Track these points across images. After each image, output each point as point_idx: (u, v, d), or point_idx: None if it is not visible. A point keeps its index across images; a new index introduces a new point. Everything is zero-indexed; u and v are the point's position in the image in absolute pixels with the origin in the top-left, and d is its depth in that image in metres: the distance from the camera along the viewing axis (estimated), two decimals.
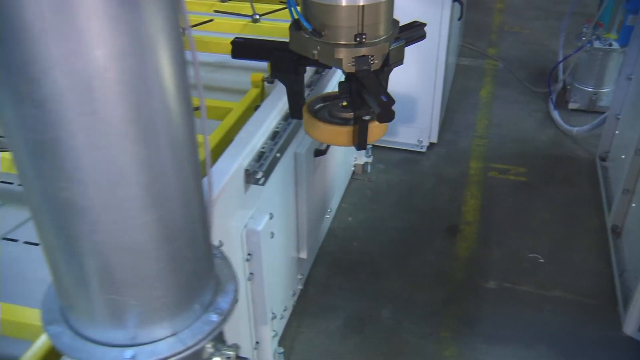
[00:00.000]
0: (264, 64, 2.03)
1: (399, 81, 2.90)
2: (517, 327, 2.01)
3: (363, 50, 1.19)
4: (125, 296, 0.58)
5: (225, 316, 0.66)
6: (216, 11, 2.37)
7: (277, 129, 1.63)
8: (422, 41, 2.73)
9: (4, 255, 1.36)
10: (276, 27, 2.24)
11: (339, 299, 2.13)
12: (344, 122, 1.34)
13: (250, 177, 1.45)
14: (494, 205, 2.60)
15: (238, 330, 1.53)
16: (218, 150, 1.48)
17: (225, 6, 2.42)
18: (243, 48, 1.39)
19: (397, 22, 1.30)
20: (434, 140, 2.94)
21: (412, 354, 1.94)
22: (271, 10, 2.32)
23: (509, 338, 1.98)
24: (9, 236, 1.41)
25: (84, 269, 0.57)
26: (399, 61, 1.33)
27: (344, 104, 1.36)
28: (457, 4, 2.66)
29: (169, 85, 0.52)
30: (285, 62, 1.30)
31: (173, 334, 0.63)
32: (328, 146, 1.98)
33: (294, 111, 1.42)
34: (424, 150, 2.95)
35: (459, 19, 2.86)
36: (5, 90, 0.48)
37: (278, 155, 1.55)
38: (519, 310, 2.07)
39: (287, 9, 1.23)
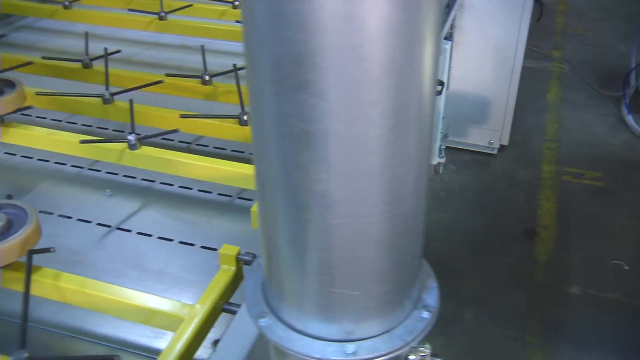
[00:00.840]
0: None
1: (472, 82, 2.88)
2: (606, 335, 1.98)
3: None
4: (355, 291, 0.58)
5: (434, 313, 0.65)
6: None
7: None
8: (499, 42, 2.71)
9: (120, 245, 1.37)
10: None
11: None
12: None
13: None
14: (571, 209, 2.56)
15: None
16: None
17: None
18: None
19: None
20: (505, 142, 2.90)
21: (498, 358, 1.92)
22: None
23: (598, 346, 1.95)
24: (123, 226, 1.43)
25: (320, 263, 0.57)
26: None
27: None
28: (537, 5, 2.63)
29: (427, 80, 0.51)
30: None
31: (388, 331, 0.63)
32: None
33: None
34: (494, 152, 2.92)
35: (538, 20, 2.82)
36: (279, 79, 0.48)
37: None
38: (606, 318, 2.04)
39: None
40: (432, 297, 0.67)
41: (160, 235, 1.39)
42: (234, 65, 1.73)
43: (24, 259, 1.11)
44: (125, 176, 1.60)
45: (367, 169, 0.51)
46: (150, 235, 1.40)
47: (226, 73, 1.75)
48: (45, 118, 1.82)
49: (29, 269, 1.07)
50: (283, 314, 0.64)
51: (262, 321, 0.63)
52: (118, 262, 1.32)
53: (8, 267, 1.12)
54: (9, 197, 1.20)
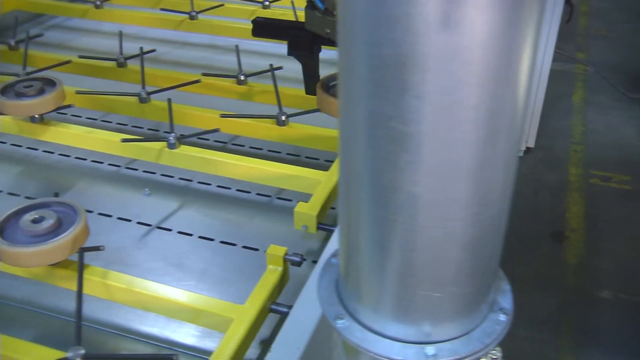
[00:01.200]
0: None
1: None
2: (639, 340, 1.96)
3: None
4: (438, 292, 0.58)
5: (510, 316, 0.65)
6: None
7: None
8: None
9: (161, 244, 1.38)
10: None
11: None
12: None
13: None
14: (599, 212, 2.54)
15: None
16: None
17: None
18: (262, 27, 1.45)
19: None
20: (531, 145, 2.89)
21: None
22: None
23: (630, 351, 1.93)
24: (163, 225, 1.43)
25: (405, 264, 0.56)
26: None
27: None
28: (567, 6, 2.61)
29: (524, 85, 0.51)
30: (301, 40, 1.37)
31: (465, 333, 0.62)
32: None
33: (309, 88, 1.46)
34: (520, 154, 2.91)
35: (568, 21, 2.81)
36: (381, 81, 0.48)
37: None
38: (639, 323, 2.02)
39: None
40: (506, 300, 0.66)
41: (201, 235, 1.39)
42: (270, 65, 1.73)
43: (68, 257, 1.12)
44: (162, 175, 1.60)
45: (462, 171, 0.51)
46: (190, 235, 1.40)
47: (262, 73, 1.76)
48: (80, 117, 1.83)
49: (81, 267, 1.07)
50: (360, 315, 0.64)
51: (340, 322, 0.63)
52: (160, 261, 1.33)
53: (57, 264, 1.13)
54: (56, 195, 1.20)
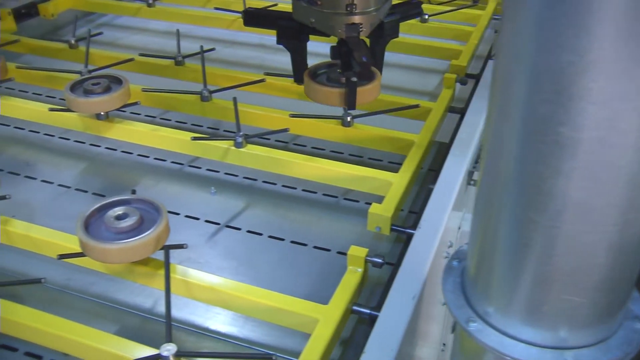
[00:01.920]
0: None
1: None
2: None
3: (353, 19, 1.29)
4: (583, 298, 0.57)
5: None
6: None
7: None
8: None
9: (232, 242, 1.39)
10: None
11: None
12: (338, 85, 1.42)
13: (470, 178, 1.43)
14: None
15: (427, 333, 1.52)
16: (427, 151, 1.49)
17: None
18: (253, 17, 1.49)
19: None
20: None
21: None
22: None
23: None
24: (231, 224, 1.44)
25: (552, 269, 0.56)
26: (394, 34, 1.43)
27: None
28: None
29: None
30: (289, 30, 1.40)
31: (602, 341, 0.62)
32: None
33: (297, 76, 1.49)
34: None
35: None
36: (557, 88, 0.48)
37: None
38: None
39: None
40: (638, 307, 0.66)
41: (271, 234, 1.40)
42: None
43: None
44: (226, 174, 1.61)
45: (625, 177, 0.51)
46: (260, 234, 1.40)
47: None
48: (139, 114, 1.85)
49: (168, 265, 1.08)
50: (490, 318, 0.63)
51: (473, 326, 0.63)
52: (232, 260, 1.34)
53: (137, 261, 1.14)
54: (133, 192, 1.22)
